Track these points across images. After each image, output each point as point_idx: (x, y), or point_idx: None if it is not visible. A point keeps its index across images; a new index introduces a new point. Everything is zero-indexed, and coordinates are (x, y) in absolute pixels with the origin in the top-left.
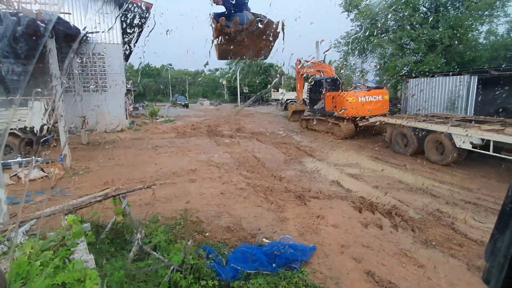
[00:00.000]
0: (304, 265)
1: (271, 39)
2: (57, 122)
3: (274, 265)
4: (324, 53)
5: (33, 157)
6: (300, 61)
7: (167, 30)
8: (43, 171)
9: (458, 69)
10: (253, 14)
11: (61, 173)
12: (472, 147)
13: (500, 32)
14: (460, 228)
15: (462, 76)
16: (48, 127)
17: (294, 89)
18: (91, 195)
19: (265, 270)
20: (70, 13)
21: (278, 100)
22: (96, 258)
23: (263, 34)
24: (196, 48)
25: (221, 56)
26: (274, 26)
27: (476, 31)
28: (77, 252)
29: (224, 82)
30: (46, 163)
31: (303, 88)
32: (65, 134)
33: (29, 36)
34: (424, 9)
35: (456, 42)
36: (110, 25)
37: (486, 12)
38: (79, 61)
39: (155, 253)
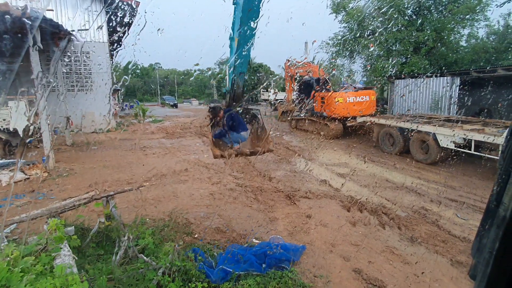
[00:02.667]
0: (294, 264)
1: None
2: (36, 122)
3: (264, 265)
4: (315, 53)
5: (18, 159)
6: (289, 61)
7: (158, 29)
8: (24, 173)
9: (445, 70)
10: (249, 116)
11: (43, 175)
12: (455, 146)
13: (480, 36)
14: (444, 225)
15: (445, 78)
16: (35, 128)
17: (283, 89)
18: (76, 197)
19: (255, 270)
20: (52, 10)
21: (268, 100)
22: (82, 263)
23: (257, 152)
24: (188, 47)
25: (215, 157)
26: (267, 147)
27: (458, 34)
28: (60, 257)
29: (213, 82)
30: (27, 165)
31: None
32: (49, 135)
33: (14, 33)
34: (409, 12)
35: (439, 45)
36: (94, 23)
37: (467, 16)
38: (68, 59)
39: (143, 256)
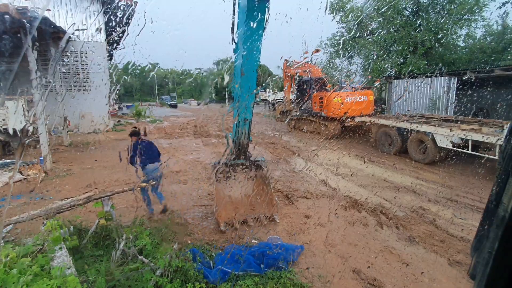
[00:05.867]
0: (292, 265)
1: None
2: (36, 122)
3: (262, 265)
4: (312, 53)
5: (17, 159)
6: (287, 61)
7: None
8: (21, 173)
9: (444, 70)
10: None
11: (41, 175)
12: (453, 146)
13: (477, 36)
14: (442, 225)
15: (443, 78)
16: (33, 128)
17: (282, 89)
18: (73, 198)
19: (253, 271)
20: (50, 10)
21: (267, 100)
22: (80, 263)
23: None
24: (187, 47)
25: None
26: (271, 211)
27: (456, 35)
28: (57, 258)
29: (211, 83)
30: (27, 165)
31: (291, 89)
32: (46, 135)
33: (13, 33)
34: (407, 12)
35: (436, 45)
36: (90, 23)
37: (465, 16)
38: (67, 60)
39: (142, 257)
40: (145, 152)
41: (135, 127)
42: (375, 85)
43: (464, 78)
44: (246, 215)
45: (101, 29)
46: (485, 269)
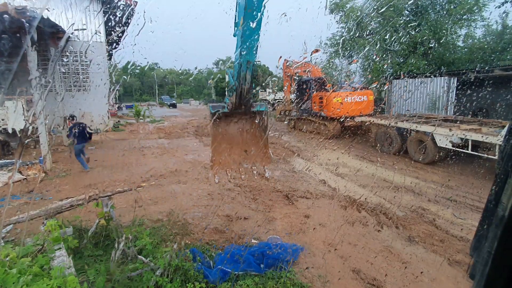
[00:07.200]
0: (292, 264)
1: None
2: (35, 122)
3: (262, 265)
4: (312, 53)
5: (17, 159)
6: (287, 61)
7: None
8: (21, 173)
9: (445, 69)
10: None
11: (41, 175)
12: (452, 146)
13: (477, 35)
14: (441, 225)
15: (442, 78)
16: (33, 128)
17: (281, 89)
18: (73, 198)
19: (253, 271)
20: (49, 10)
21: (266, 100)
22: (80, 263)
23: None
24: (187, 47)
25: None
26: (264, 162)
27: (455, 34)
28: (57, 258)
29: (210, 82)
30: (26, 165)
31: (291, 88)
32: (46, 135)
33: (12, 33)
34: (407, 12)
35: (436, 45)
36: (90, 23)
37: (464, 16)
38: (66, 60)
39: (142, 257)
40: (77, 132)
41: (72, 114)
42: (374, 86)
43: (464, 78)
44: (239, 161)
45: (100, 32)
46: (484, 269)
